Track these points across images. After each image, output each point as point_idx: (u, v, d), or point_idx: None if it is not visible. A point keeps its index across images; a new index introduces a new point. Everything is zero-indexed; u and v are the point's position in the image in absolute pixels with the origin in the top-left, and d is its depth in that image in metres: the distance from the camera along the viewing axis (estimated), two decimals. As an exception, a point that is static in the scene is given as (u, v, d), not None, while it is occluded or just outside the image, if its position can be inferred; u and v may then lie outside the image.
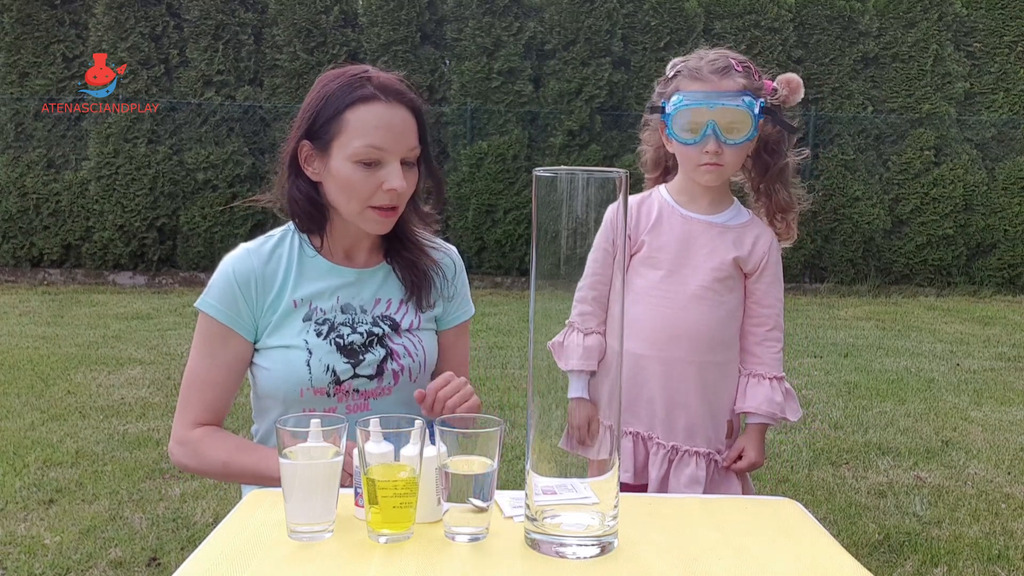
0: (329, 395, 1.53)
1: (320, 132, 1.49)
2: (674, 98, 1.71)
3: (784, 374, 1.81)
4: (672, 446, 1.78)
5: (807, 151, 1.87)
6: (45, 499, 3.18)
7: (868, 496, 3.41)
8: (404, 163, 1.50)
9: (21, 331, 6.24)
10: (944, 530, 3.09)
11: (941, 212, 9.03)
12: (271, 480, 1.42)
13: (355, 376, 1.54)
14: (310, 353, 1.52)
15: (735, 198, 1.85)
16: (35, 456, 3.60)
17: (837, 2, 8.94)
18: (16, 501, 3.15)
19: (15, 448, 3.70)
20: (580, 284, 1.87)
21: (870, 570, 1.07)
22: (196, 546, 1.12)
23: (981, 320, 7.58)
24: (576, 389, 1.59)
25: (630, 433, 1.78)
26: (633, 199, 1.78)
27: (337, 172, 1.49)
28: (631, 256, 1.78)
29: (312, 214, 1.55)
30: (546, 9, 8.86)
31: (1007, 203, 9.08)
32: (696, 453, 1.77)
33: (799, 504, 1.31)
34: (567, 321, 1.86)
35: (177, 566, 1.08)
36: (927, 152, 9.02)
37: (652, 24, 8.84)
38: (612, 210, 1.68)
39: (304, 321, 1.54)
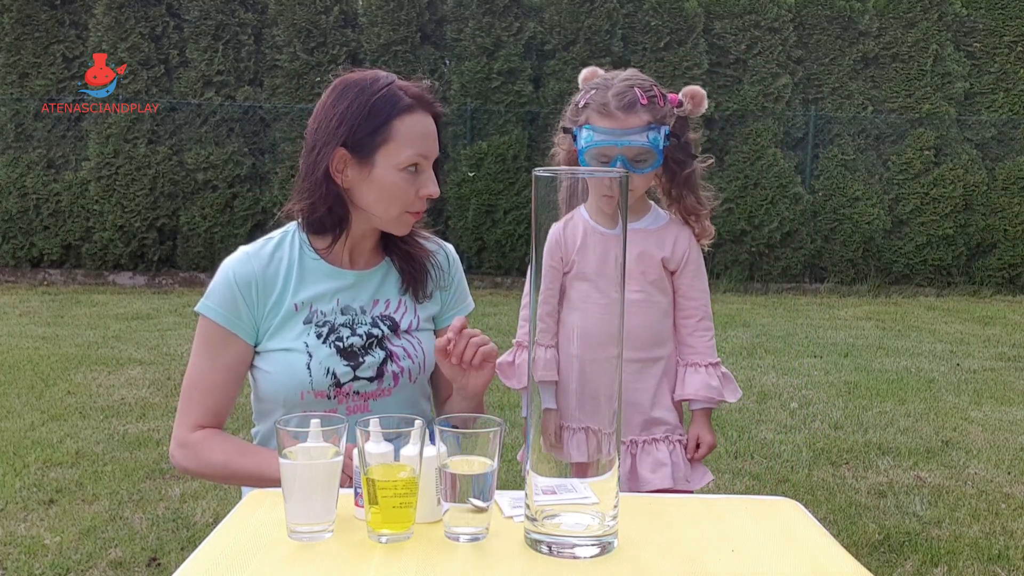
0: (330, 397, 1.53)
1: (364, 141, 1.50)
2: (584, 132, 1.80)
3: (719, 359, 1.92)
4: (631, 440, 1.88)
5: (711, 159, 1.97)
6: (45, 499, 3.18)
7: (868, 496, 3.41)
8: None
9: (21, 331, 6.25)
10: (944, 530, 3.09)
11: (941, 212, 9.03)
12: (271, 482, 1.43)
13: (355, 378, 1.54)
14: (310, 356, 1.52)
15: (652, 203, 1.95)
16: (35, 456, 3.60)
17: (837, 2, 8.94)
18: (16, 501, 3.16)
19: (15, 448, 3.70)
20: (525, 302, 1.96)
21: (870, 570, 1.07)
22: (196, 546, 1.12)
23: (981, 320, 7.58)
24: (545, 400, 1.69)
25: (585, 429, 1.81)
26: (559, 224, 1.82)
27: (383, 179, 1.51)
28: (565, 274, 1.85)
29: (334, 219, 1.56)
30: (546, 9, 8.86)
31: (1007, 203, 9.08)
32: (655, 440, 1.89)
33: (799, 504, 1.31)
34: (514, 341, 1.95)
35: (177, 566, 1.08)
36: (927, 152, 9.02)
37: (652, 24, 8.84)
38: (555, 230, 1.73)
39: (305, 324, 1.55)
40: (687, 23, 8.82)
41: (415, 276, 1.64)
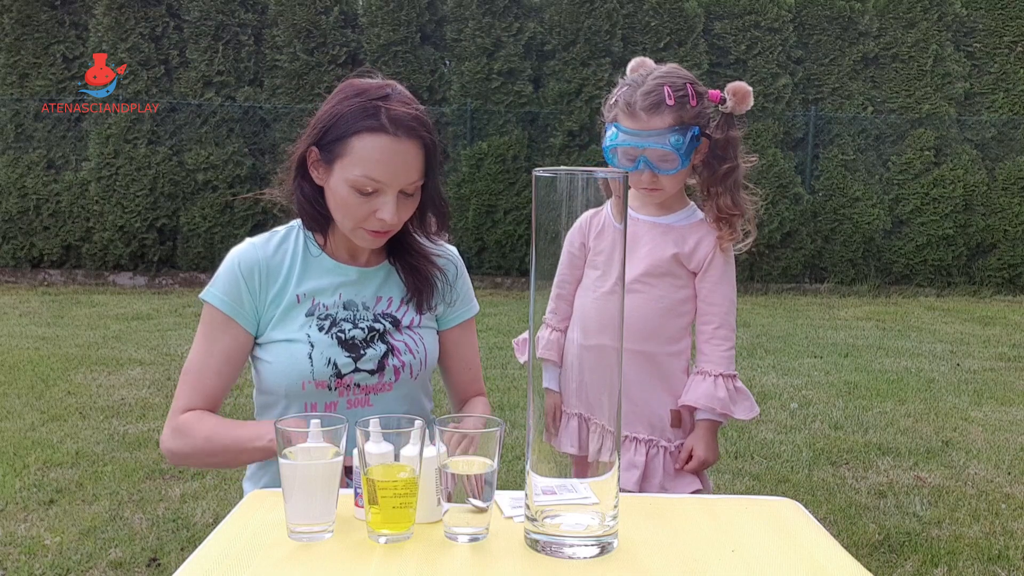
0: (330, 388, 1.55)
1: (327, 147, 1.51)
2: (611, 131, 1.79)
3: (735, 373, 1.84)
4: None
5: (755, 158, 1.91)
6: (45, 500, 3.18)
7: (868, 496, 3.41)
8: (403, 192, 1.51)
9: (21, 332, 6.25)
10: (944, 530, 3.09)
11: (941, 212, 9.03)
12: (252, 452, 1.45)
13: (356, 370, 1.56)
14: (312, 346, 1.54)
15: (691, 201, 1.91)
16: (35, 457, 3.60)
17: (837, 2, 8.94)
18: (16, 502, 3.16)
19: (15, 449, 3.70)
20: (555, 281, 1.96)
21: (870, 570, 1.07)
22: (196, 546, 1.12)
23: (981, 320, 7.58)
24: (545, 379, 1.74)
25: (576, 415, 1.80)
26: (589, 212, 1.81)
27: (335, 190, 1.51)
28: (585, 261, 1.86)
29: (316, 215, 1.58)
30: (546, 9, 8.86)
31: (1007, 203, 9.08)
32: (636, 439, 1.84)
33: (799, 504, 1.31)
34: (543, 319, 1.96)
35: (177, 566, 1.08)
36: (927, 152, 9.02)
37: (652, 24, 8.84)
38: (583, 216, 1.69)
39: (307, 316, 1.56)
40: (687, 23, 8.82)
41: (420, 290, 1.64)
